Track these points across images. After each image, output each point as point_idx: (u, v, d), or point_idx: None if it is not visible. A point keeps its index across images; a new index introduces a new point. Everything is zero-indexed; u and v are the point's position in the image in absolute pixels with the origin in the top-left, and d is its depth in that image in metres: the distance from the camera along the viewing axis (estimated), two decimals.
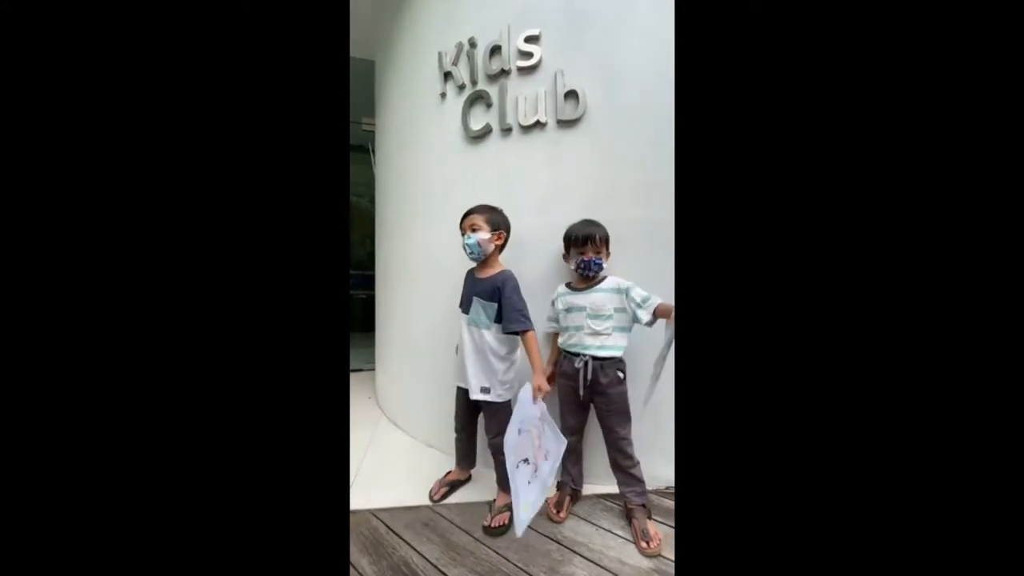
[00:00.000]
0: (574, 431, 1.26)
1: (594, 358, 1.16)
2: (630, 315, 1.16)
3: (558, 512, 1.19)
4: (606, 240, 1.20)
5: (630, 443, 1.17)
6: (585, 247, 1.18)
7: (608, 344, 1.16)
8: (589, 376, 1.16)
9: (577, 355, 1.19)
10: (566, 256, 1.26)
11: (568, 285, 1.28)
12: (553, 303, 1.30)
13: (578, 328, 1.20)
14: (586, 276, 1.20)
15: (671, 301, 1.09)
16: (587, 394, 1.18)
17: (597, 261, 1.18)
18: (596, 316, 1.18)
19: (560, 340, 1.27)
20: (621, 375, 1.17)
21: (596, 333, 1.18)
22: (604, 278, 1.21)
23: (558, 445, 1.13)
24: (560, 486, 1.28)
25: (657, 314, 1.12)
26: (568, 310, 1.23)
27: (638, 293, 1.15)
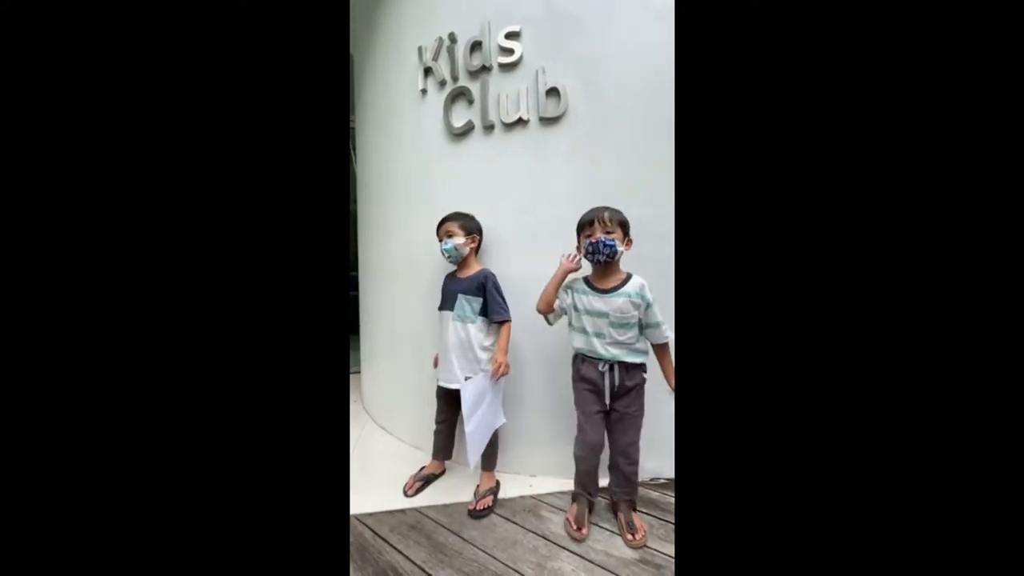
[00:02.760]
0: (595, 445, 1.11)
1: (620, 363, 1.07)
2: (642, 326, 1.09)
3: (579, 528, 1.08)
4: (622, 224, 1.07)
5: (638, 448, 1.11)
6: (592, 227, 1.05)
7: (635, 350, 1.08)
8: (616, 382, 1.06)
9: (599, 360, 1.08)
10: (578, 248, 1.13)
11: (588, 282, 1.13)
12: (567, 289, 1.15)
13: (599, 335, 1.08)
14: (599, 263, 1.07)
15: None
16: (612, 402, 1.09)
17: (609, 242, 1.02)
18: (620, 325, 1.06)
19: (576, 344, 1.13)
20: (645, 376, 1.10)
21: (619, 343, 1.06)
22: (628, 277, 1.09)
23: (496, 420, 1.22)
24: (576, 498, 1.16)
25: (658, 354, 1.09)
26: (588, 312, 1.10)
27: (656, 315, 1.07)
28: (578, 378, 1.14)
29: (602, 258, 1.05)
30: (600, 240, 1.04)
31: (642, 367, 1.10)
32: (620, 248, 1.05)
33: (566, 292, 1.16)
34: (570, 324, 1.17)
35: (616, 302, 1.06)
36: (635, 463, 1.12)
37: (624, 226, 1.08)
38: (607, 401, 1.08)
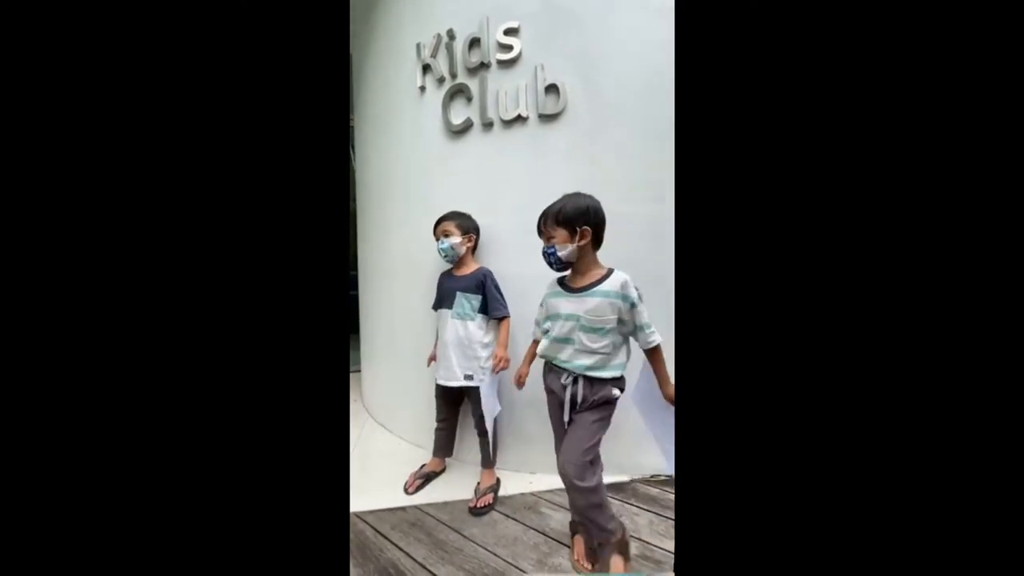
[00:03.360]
0: None
1: (586, 377, 0.90)
2: (630, 328, 0.90)
3: (592, 567, 0.94)
4: (563, 222, 0.89)
5: (584, 466, 0.90)
6: (541, 237, 0.95)
7: (610, 364, 0.89)
8: (580, 395, 0.89)
9: (564, 370, 0.92)
10: None
11: (561, 283, 0.98)
12: (542, 304, 1.03)
13: (566, 340, 0.91)
14: (563, 269, 0.97)
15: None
16: (572, 416, 0.92)
17: (548, 251, 0.92)
18: (592, 330, 0.88)
19: (541, 348, 0.99)
20: (618, 392, 0.91)
21: (590, 352, 0.89)
22: (609, 273, 0.91)
23: (492, 408, 1.24)
24: (577, 528, 1.02)
25: (650, 360, 0.90)
26: (556, 316, 0.94)
27: (642, 316, 0.88)
28: (545, 387, 1.00)
29: (554, 268, 0.96)
30: (544, 250, 0.94)
31: (616, 380, 0.91)
32: (566, 250, 0.89)
33: (542, 304, 1.04)
34: (540, 330, 1.04)
35: (589, 302, 0.88)
36: (580, 480, 0.86)
37: (569, 222, 0.89)
38: (567, 416, 0.91)
